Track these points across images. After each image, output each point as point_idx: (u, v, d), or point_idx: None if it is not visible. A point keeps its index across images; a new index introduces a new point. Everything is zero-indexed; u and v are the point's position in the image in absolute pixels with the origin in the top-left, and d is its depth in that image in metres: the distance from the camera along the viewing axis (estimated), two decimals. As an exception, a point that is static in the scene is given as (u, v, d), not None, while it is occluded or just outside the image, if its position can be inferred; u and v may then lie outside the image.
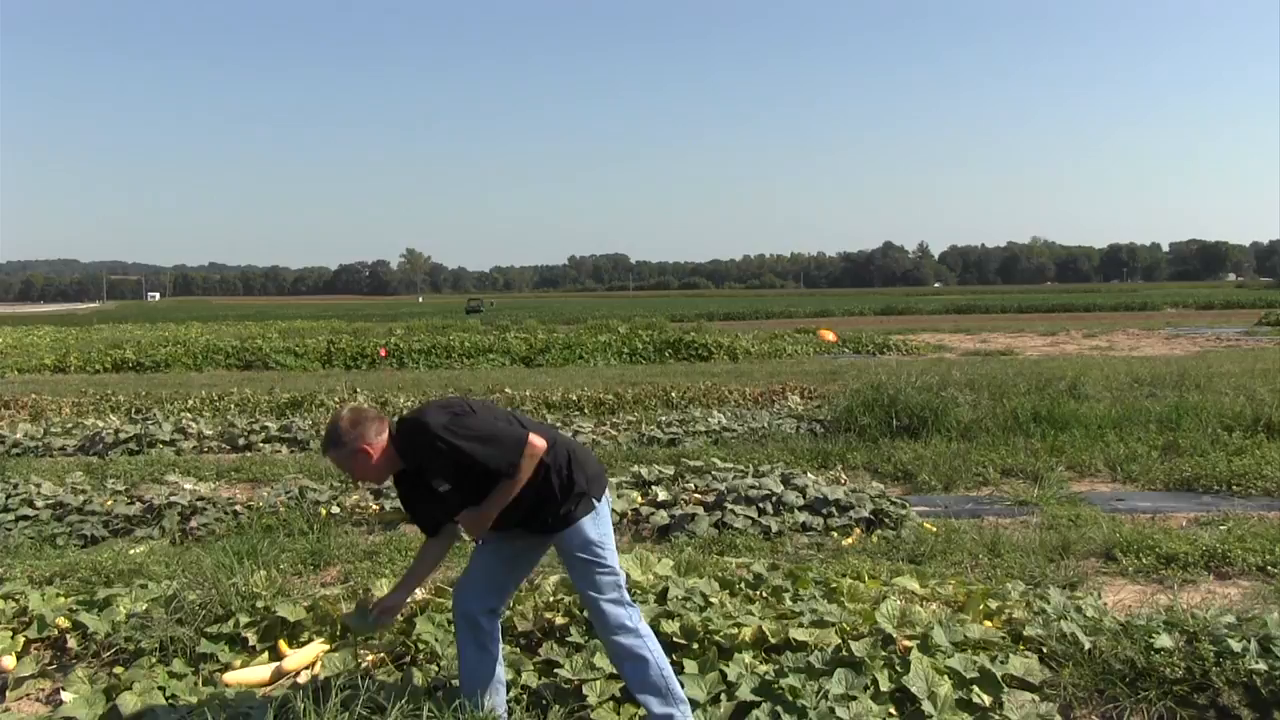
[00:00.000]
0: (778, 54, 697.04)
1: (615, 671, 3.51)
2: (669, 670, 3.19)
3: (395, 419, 3.15)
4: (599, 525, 3.20)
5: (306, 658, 3.90)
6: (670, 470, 7.29)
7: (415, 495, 3.23)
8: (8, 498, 6.74)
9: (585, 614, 3.95)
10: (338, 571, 5.33)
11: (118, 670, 3.90)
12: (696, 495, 6.38)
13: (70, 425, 10.52)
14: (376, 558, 5.49)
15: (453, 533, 3.33)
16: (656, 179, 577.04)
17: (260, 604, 4.25)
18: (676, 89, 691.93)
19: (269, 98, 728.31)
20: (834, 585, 4.39)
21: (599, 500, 3.23)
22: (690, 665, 3.52)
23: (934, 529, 5.88)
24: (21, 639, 4.13)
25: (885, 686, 3.38)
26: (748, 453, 8.46)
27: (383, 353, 23.44)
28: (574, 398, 12.09)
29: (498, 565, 3.29)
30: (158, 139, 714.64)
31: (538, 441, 3.05)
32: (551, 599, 4.19)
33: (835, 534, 5.89)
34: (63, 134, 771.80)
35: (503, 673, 3.36)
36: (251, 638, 4.07)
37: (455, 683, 3.50)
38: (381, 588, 4.36)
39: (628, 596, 3.24)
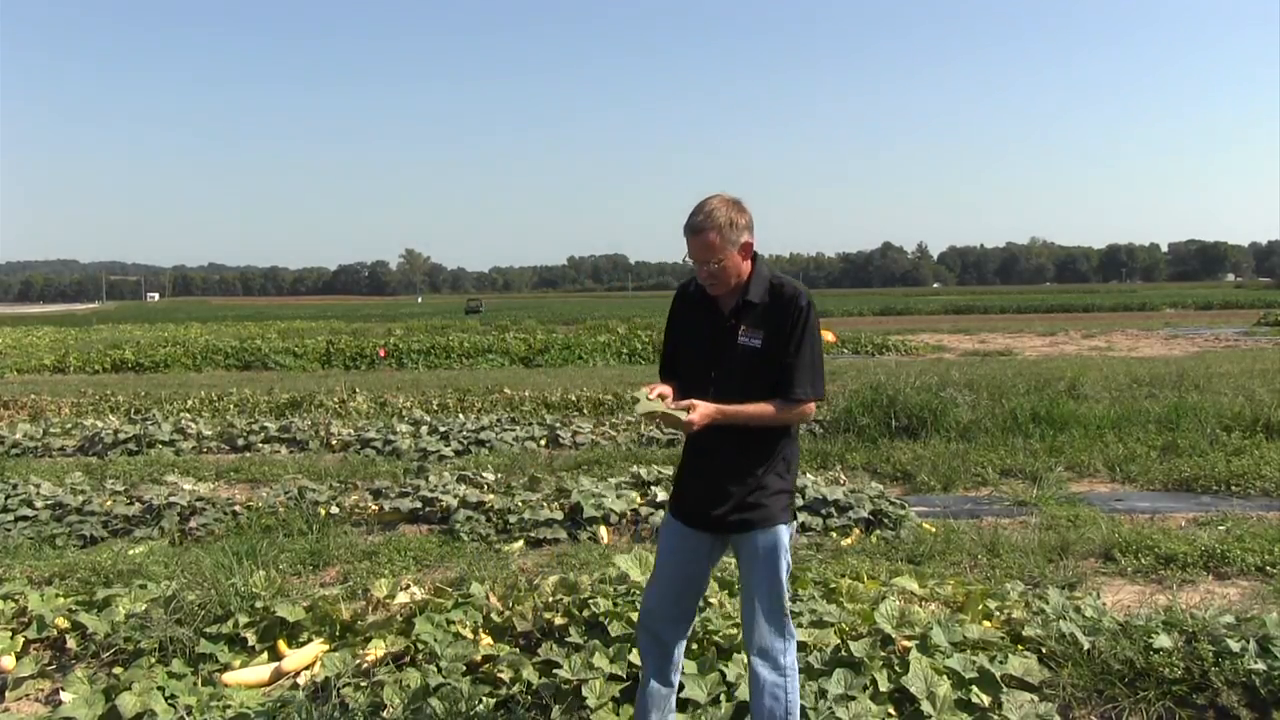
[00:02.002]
0: (777, 56, 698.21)
1: (615, 672, 3.51)
2: (797, 714, 2.90)
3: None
4: (789, 540, 2.91)
5: (306, 658, 3.90)
6: (670, 470, 7.28)
7: (696, 330, 2.92)
8: (7, 498, 6.73)
9: (585, 614, 3.96)
10: (337, 572, 5.33)
11: (117, 670, 3.90)
12: (696, 495, 6.38)
13: (69, 426, 10.52)
14: (376, 558, 5.49)
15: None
16: (657, 179, 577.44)
17: (259, 604, 4.25)
18: (675, 89, 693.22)
19: (268, 98, 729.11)
20: (833, 585, 4.38)
21: (794, 518, 3.00)
22: (690, 666, 3.51)
23: (933, 529, 5.89)
24: (21, 639, 4.13)
25: (884, 687, 3.38)
26: (747, 453, 8.45)
27: (382, 353, 23.48)
28: (573, 398, 12.10)
29: (682, 581, 2.96)
30: (157, 139, 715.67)
31: (814, 407, 2.90)
32: (551, 599, 4.19)
33: (834, 534, 5.89)
34: (63, 134, 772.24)
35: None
36: (251, 638, 4.07)
37: (455, 683, 3.50)
38: (381, 588, 4.36)
39: (792, 627, 2.93)
